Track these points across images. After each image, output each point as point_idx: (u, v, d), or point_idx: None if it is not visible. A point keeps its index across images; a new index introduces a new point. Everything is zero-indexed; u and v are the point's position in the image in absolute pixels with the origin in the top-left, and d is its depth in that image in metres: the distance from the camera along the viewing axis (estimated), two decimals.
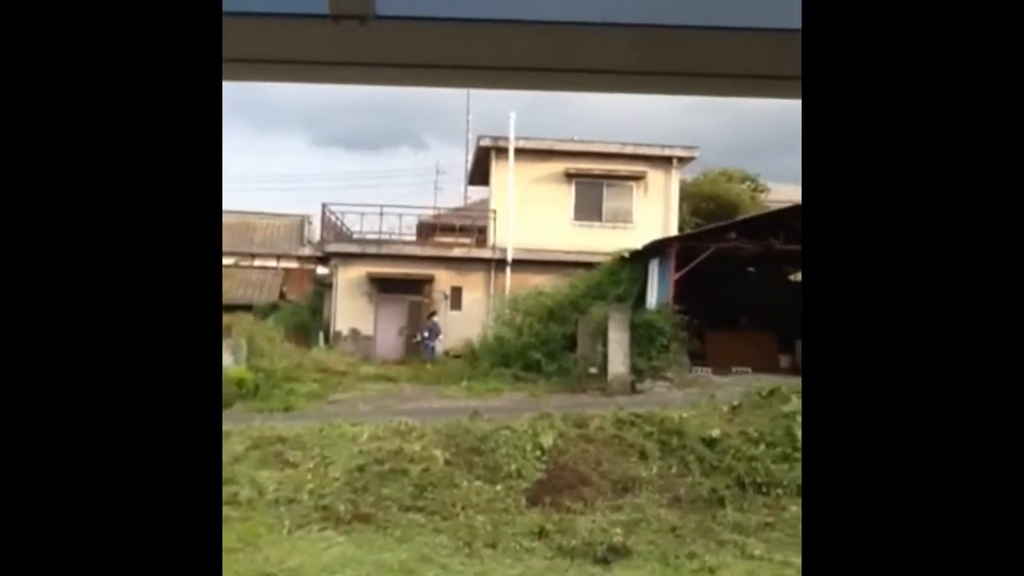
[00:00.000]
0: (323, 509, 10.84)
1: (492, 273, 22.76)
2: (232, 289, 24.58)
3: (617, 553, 9.80)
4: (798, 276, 20.94)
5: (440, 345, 21.52)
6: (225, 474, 11.38)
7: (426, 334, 21.66)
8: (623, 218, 22.98)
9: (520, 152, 22.94)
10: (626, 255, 19.63)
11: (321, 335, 22.70)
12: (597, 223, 22.93)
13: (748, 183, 28.88)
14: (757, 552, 9.96)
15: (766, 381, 14.70)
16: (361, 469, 11.75)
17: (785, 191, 24.27)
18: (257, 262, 30.87)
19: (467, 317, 21.74)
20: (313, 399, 16.27)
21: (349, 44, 1.40)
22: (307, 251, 28.92)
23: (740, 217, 21.90)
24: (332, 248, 23.56)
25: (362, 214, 23.87)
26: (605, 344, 17.26)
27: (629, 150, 23.22)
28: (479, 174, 25.50)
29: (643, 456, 12.38)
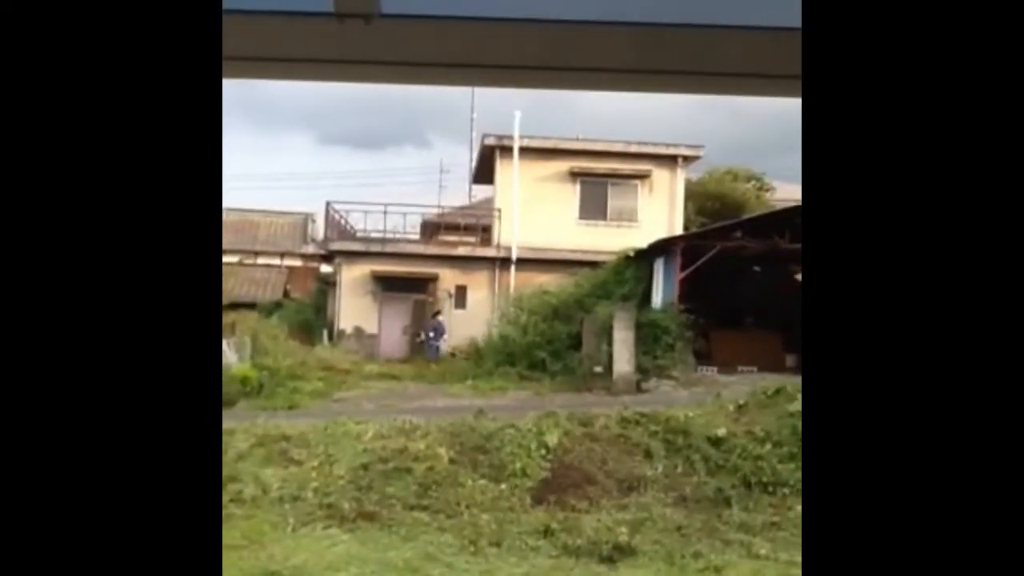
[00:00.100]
0: (327, 507, 10.86)
1: (497, 272, 22.76)
2: (236, 287, 24.63)
3: (622, 552, 9.79)
4: None
5: (444, 344, 21.53)
6: (229, 472, 11.41)
7: (431, 333, 21.68)
8: (628, 217, 22.95)
9: (525, 151, 22.93)
10: (631, 254, 19.61)
11: (325, 333, 22.73)
12: (602, 222, 22.91)
13: (753, 182, 28.85)
14: (763, 551, 9.94)
15: (772, 380, 14.68)
16: (365, 467, 11.76)
17: (791, 190, 24.23)
18: (261, 260, 30.92)
19: (472, 316, 21.75)
20: (317, 397, 16.29)
21: (354, 42, 1.40)
22: (311, 249, 28.94)
23: (746, 216, 21.86)
24: (336, 246, 23.59)
25: (366, 212, 23.90)
26: (610, 343, 17.26)
27: (634, 149, 23.20)
28: (484, 173, 25.50)
29: (648, 455, 12.37)
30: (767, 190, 28.75)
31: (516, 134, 22.94)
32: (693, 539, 10.29)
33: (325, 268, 26.80)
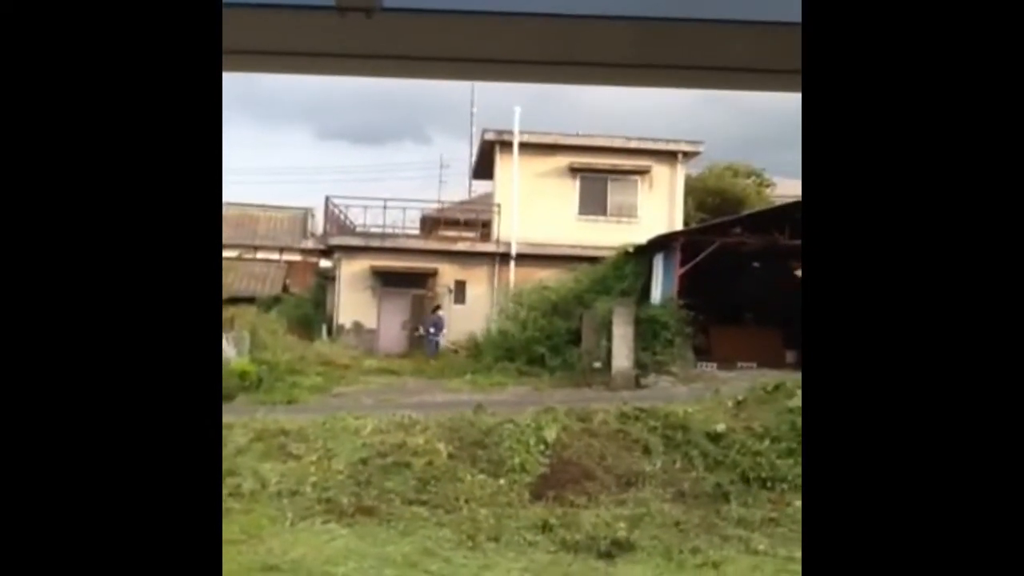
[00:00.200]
0: (326, 502, 10.87)
1: (496, 267, 22.75)
2: (235, 282, 24.62)
3: (621, 547, 9.81)
4: None
5: (444, 339, 21.54)
6: (228, 466, 11.42)
7: (431, 329, 21.67)
8: (628, 213, 22.94)
9: (524, 146, 22.92)
10: (631, 250, 19.61)
11: (324, 328, 22.73)
12: (602, 217, 22.90)
13: (754, 178, 28.83)
14: (761, 547, 9.96)
15: (771, 376, 14.70)
16: (364, 462, 11.78)
17: (791, 186, 24.22)
18: (260, 255, 30.90)
19: (471, 311, 21.75)
20: (316, 392, 16.30)
21: (355, 36, 1.40)
22: (310, 244, 28.92)
23: (745, 212, 21.85)
24: (335, 241, 23.57)
25: (366, 207, 23.88)
26: (609, 339, 17.27)
27: (634, 144, 23.18)
28: (483, 168, 25.48)
29: (647, 451, 12.39)
30: (767, 186, 28.74)
31: (516, 129, 22.92)
32: (691, 535, 10.31)
33: (324, 263, 26.78)
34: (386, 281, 22.74)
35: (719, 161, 28.05)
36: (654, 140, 23.34)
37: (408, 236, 24.15)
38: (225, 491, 10.81)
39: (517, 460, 11.86)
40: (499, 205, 23.19)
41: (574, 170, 23.06)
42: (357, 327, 22.37)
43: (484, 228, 23.81)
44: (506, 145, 23.07)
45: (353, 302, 22.63)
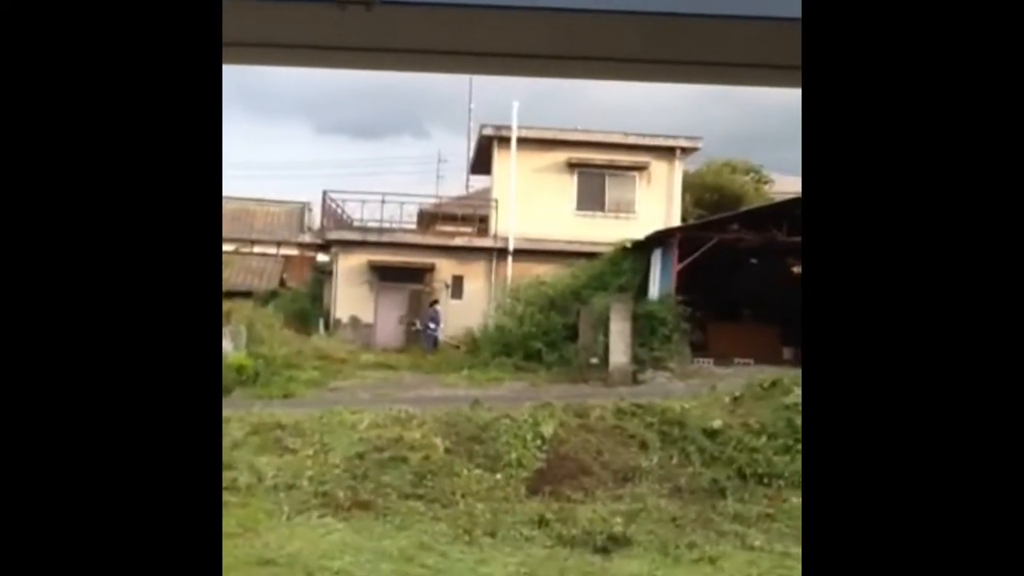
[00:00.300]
0: (322, 496, 10.86)
1: (494, 262, 22.74)
2: (232, 276, 24.58)
3: (617, 542, 9.82)
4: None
5: (442, 334, 21.53)
6: (225, 460, 11.40)
7: (432, 325, 21.65)
8: (626, 208, 22.93)
9: (522, 141, 22.88)
10: (628, 245, 19.61)
11: (321, 322, 22.71)
12: (600, 213, 22.89)
13: (752, 174, 28.81)
14: (757, 543, 9.98)
15: (768, 373, 14.72)
16: (361, 456, 11.77)
17: (789, 182, 24.22)
18: (257, 249, 30.86)
19: (468, 306, 21.75)
20: (313, 386, 16.29)
21: (355, 29, 1.40)
22: (308, 238, 28.88)
23: (743, 208, 21.85)
24: (333, 236, 23.54)
25: (363, 202, 23.85)
26: (607, 334, 17.28)
27: (632, 140, 23.16)
28: (481, 163, 25.44)
29: (644, 446, 12.40)
30: (765, 182, 28.72)
31: (514, 124, 22.88)
32: (688, 530, 10.32)
33: (322, 257, 26.75)
34: (383, 276, 22.71)
35: (717, 157, 28.05)
36: (652, 136, 23.32)
37: (405, 231, 24.12)
38: (222, 485, 10.79)
39: (514, 455, 11.87)
40: (497, 200, 23.16)
41: (572, 166, 23.04)
42: (354, 322, 22.35)
43: (482, 223, 23.79)
44: (504, 140, 23.04)
45: (350, 297, 22.61)
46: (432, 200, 27.39)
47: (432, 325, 21.66)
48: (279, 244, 31.72)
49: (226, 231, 28.49)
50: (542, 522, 10.29)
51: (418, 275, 22.81)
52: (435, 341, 21.36)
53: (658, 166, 23.14)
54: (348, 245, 22.96)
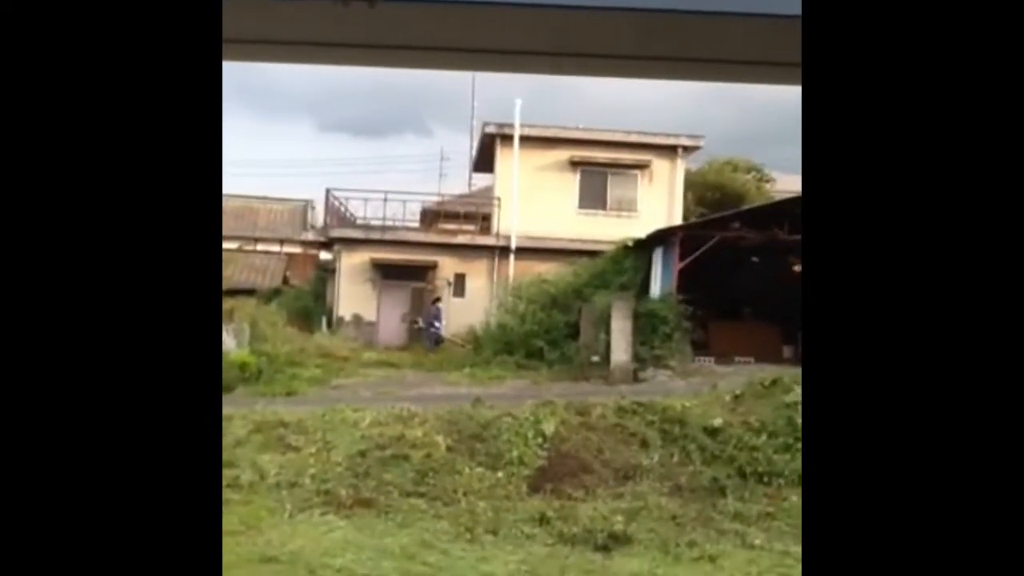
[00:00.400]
0: (325, 493, 10.87)
1: (496, 260, 22.74)
2: (235, 274, 24.60)
3: (618, 541, 9.82)
4: None
5: (444, 331, 21.53)
6: (227, 457, 11.41)
7: (437, 324, 21.64)
8: (627, 207, 22.92)
9: (525, 139, 22.88)
10: (630, 244, 19.60)
11: (324, 320, 22.72)
12: (601, 211, 22.88)
13: (754, 173, 28.80)
14: (757, 541, 9.98)
15: (769, 371, 14.71)
16: (363, 454, 11.78)
17: (791, 181, 24.20)
18: (260, 247, 30.88)
19: (470, 304, 21.75)
20: (315, 384, 16.30)
21: (357, 26, 1.40)
22: (311, 236, 28.90)
23: (745, 207, 21.83)
24: (336, 233, 23.56)
25: (366, 200, 23.86)
26: (608, 332, 17.28)
27: (634, 139, 23.15)
28: (484, 161, 25.44)
29: (645, 444, 12.40)
30: (767, 181, 28.70)
31: (517, 122, 22.88)
32: (688, 528, 10.32)
33: (324, 255, 26.77)
34: (386, 274, 22.72)
35: (719, 156, 28.04)
36: (654, 134, 23.31)
37: (408, 229, 24.12)
38: (224, 482, 10.81)
39: (515, 453, 11.87)
40: (499, 198, 23.17)
41: (574, 164, 23.04)
42: (357, 319, 22.37)
43: (484, 221, 23.79)
44: (506, 138, 23.04)
45: (353, 294, 22.62)
46: (435, 198, 27.42)
47: (435, 323, 21.66)
48: (282, 242, 31.75)
49: (229, 229, 28.55)
50: (543, 520, 10.30)
51: (420, 273, 22.81)
52: (438, 339, 21.35)
53: (660, 164, 23.12)
54: (351, 243, 22.97)
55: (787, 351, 17.91)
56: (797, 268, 21.36)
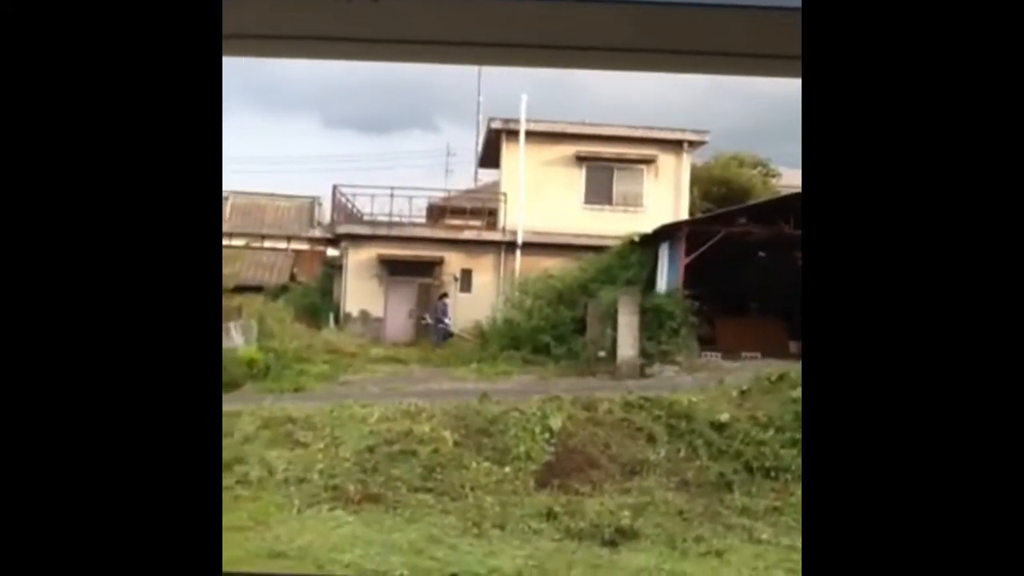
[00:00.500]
0: (333, 489, 10.92)
1: (502, 256, 22.74)
2: (242, 270, 24.61)
3: (625, 536, 9.84)
4: None
5: (452, 326, 21.55)
6: (236, 454, 11.47)
7: (446, 320, 21.65)
8: (633, 202, 22.89)
9: (531, 135, 22.86)
10: (636, 239, 19.57)
11: (331, 317, 22.77)
12: (607, 207, 22.85)
13: (759, 168, 28.69)
14: (764, 536, 9.99)
15: (776, 366, 14.68)
16: (371, 450, 11.82)
17: (797, 176, 24.09)
18: (267, 243, 30.92)
19: (477, 300, 21.76)
20: (323, 380, 16.35)
21: (361, 20, 1.40)
22: (317, 233, 28.94)
23: (751, 202, 21.78)
24: (343, 230, 23.59)
25: (373, 196, 23.87)
26: (614, 328, 17.26)
27: (640, 133, 23.10)
28: (490, 157, 25.43)
29: (651, 440, 12.41)
30: (773, 176, 28.59)
31: (522, 118, 22.87)
32: (695, 523, 10.34)
33: (331, 252, 26.80)
34: (393, 270, 22.75)
35: (725, 151, 27.94)
36: (660, 129, 23.26)
37: (415, 225, 24.14)
38: (233, 479, 10.87)
39: (522, 448, 11.89)
40: (505, 194, 23.16)
41: (580, 159, 23.01)
42: (364, 315, 22.40)
43: (490, 217, 23.79)
44: (512, 134, 23.03)
45: (360, 291, 22.66)
46: (441, 194, 27.39)
47: (444, 319, 21.67)
48: (289, 239, 31.79)
49: (236, 226, 28.60)
50: (550, 515, 10.32)
51: (427, 269, 22.84)
52: (447, 334, 21.35)
53: (666, 159, 23.08)
54: (358, 239, 23.01)
55: (794, 346, 17.86)
56: None
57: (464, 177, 31.65)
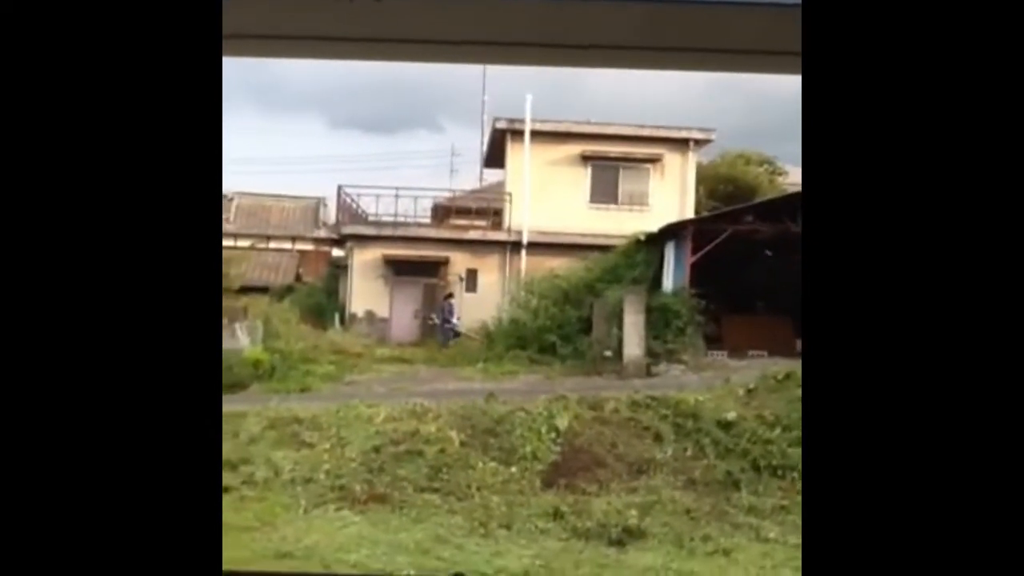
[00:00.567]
0: (339, 489, 10.93)
1: (508, 256, 22.74)
2: (248, 271, 24.67)
3: (632, 535, 9.83)
4: None
5: (460, 325, 21.54)
6: (242, 454, 11.50)
7: (454, 319, 21.64)
8: (639, 201, 22.87)
9: (536, 134, 22.86)
10: (642, 238, 19.55)
11: (337, 317, 22.80)
12: (613, 206, 22.84)
13: (766, 166, 28.64)
14: (772, 535, 9.96)
15: (782, 365, 14.65)
16: (377, 450, 11.83)
17: None
18: (273, 244, 30.98)
19: (482, 300, 21.76)
20: (329, 380, 16.37)
21: (362, 20, 1.40)
22: (323, 233, 28.99)
23: (757, 200, 21.74)
24: (348, 230, 23.62)
25: (378, 196, 23.90)
26: (620, 327, 17.24)
27: (645, 132, 23.08)
28: (495, 156, 25.44)
29: (658, 439, 12.39)
30: (779, 174, 28.53)
31: (527, 117, 22.87)
32: (702, 522, 10.32)
33: (337, 252, 26.84)
34: (398, 270, 22.77)
35: (731, 149, 27.90)
36: (666, 128, 23.23)
37: (420, 225, 24.15)
38: (239, 479, 10.90)
39: (529, 448, 11.89)
40: (510, 193, 23.16)
41: (585, 158, 23.00)
42: (370, 316, 22.43)
43: (496, 216, 23.78)
44: (517, 133, 23.03)
45: (365, 291, 22.68)
46: (446, 194, 27.39)
47: (451, 319, 21.67)
48: (294, 239, 31.85)
49: (242, 227, 28.64)
50: (557, 515, 10.32)
51: (432, 269, 22.85)
52: (455, 334, 21.34)
53: (671, 158, 23.05)
54: (363, 240, 23.03)
55: (800, 345, 17.80)
56: None
57: (469, 177, 31.65)
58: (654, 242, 19.37)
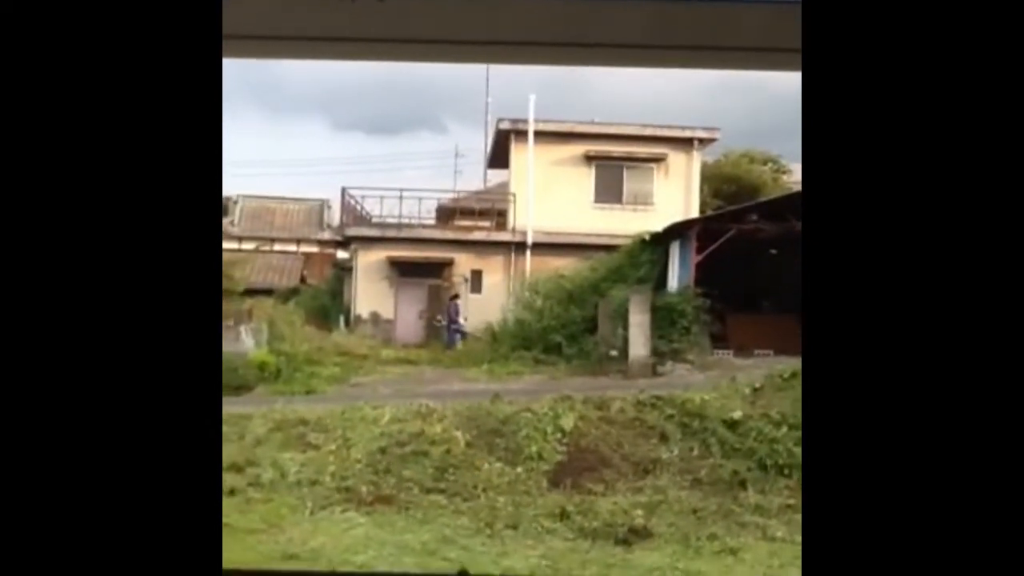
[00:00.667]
0: (345, 491, 10.94)
1: (512, 256, 22.73)
2: (253, 274, 24.69)
3: (638, 535, 9.82)
4: None
5: (467, 326, 21.53)
6: (248, 456, 11.51)
7: (459, 320, 21.63)
8: (644, 200, 22.84)
9: (540, 135, 22.85)
10: (647, 238, 19.53)
11: (342, 319, 22.81)
12: (617, 206, 22.81)
13: (770, 164, 28.57)
14: (779, 534, 9.94)
15: (788, 363, 14.60)
16: (383, 451, 11.84)
17: None
18: (277, 247, 31.02)
19: (487, 300, 21.75)
20: (334, 382, 16.38)
21: (363, 20, 1.40)
22: (327, 235, 29.02)
23: (762, 199, 21.70)
24: (352, 232, 23.64)
25: (382, 198, 23.90)
26: (626, 327, 17.23)
27: (649, 132, 23.06)
28: (499, 157, 25.43)
29: (664, 438, 12.37)
30: (783, 173, 28.45)
31: (531, 118, 22.86)
32: (708, 521, 10.30)
33: (341, 254, 26.86)
34: (403, 271, 22.78)
35: (735, 148, 27.84)
36: (670, 127, 23.21)
37: (424, 226, 24.16)
38: (245, 481, 10.91)
39: (534, 448, 11.88)
40: (514, 194, 23.15)
41: (589, 158, 22.98)
42: (374, 317, 22.44)
43: (500, 217, 23.78)
44: (521, 134, 23.03)
45: (370, 292, 22.70)
46: (450, 195, 27.40)
47: (457, 320, 21.65)
48: (299, 241, 31.87)
49: (246, 229, 28.68)
50: (563, 515, 10.31)
51: (437, 270, 22.85)
52: (462, 335, 21.31)
53: (676, 157, 23.03)
54: (367, 241, 23.05)
55: None
56: None
57: (473, 178, 31.60)
58: (659, 242, 19.34)
